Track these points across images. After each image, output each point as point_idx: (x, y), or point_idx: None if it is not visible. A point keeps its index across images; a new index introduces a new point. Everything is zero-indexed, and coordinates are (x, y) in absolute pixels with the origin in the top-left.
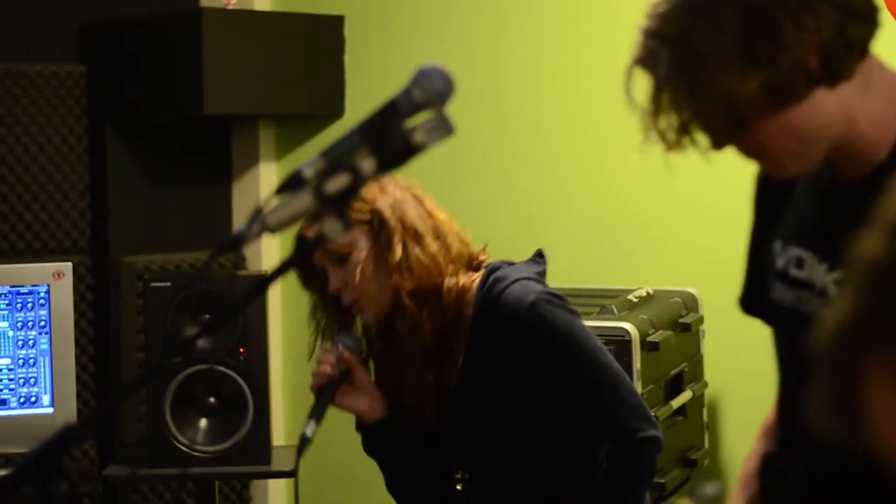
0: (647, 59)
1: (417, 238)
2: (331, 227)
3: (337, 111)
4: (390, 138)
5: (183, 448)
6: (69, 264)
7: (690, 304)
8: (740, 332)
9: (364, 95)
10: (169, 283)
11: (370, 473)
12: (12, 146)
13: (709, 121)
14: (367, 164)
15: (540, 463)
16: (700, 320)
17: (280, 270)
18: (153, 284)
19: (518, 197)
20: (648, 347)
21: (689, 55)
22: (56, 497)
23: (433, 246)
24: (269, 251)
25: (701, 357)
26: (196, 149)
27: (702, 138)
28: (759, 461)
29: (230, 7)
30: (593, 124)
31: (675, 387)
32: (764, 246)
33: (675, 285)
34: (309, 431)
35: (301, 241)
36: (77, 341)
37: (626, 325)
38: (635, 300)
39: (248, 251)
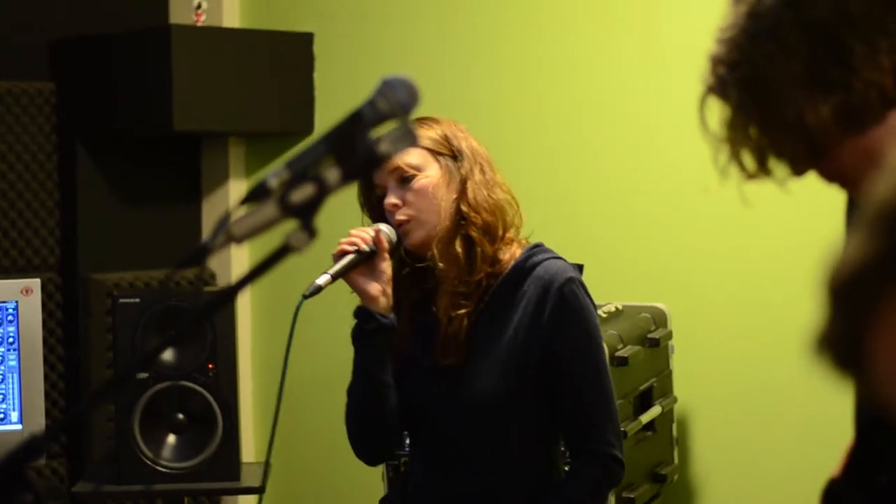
0: (717, 86)
1: (490, 185)
2: (296, 237)
3: (307, 128)
4: (355, 148)
5: (151, 464)
6: (38, 280)
7: (659, 319)
8: (709, 347)
9: (333, 112)
10: (137, 300)
11: (340, 489)
12: None
13: (784, 148)
14: (332, 174)
15: (507, 426)
16: (669, 335)
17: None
18: (122, 301)
19: None
20: (617, 362)
21: (759, 81)
22: None
23: (502, 195)
24: (238, 267)
25: (670, 372)
26: (166, 166)
27: (779, 167)
28: (824, 486)
29: (199, 24)
30: (565, 139)
31: (645, 402)
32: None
33: (644, 301)
34: (321, 281)
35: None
36: (46, 359)
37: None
38: (604, 315)
39: (217, 267)
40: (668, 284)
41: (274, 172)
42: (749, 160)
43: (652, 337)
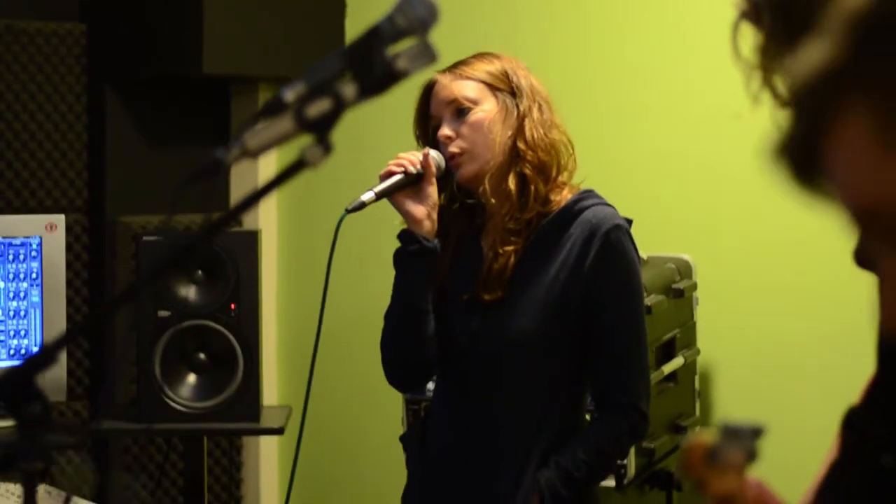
0: (750, 11)
1: (548, 125)
2: (311, 152)
3: None
4: (372, 64)
5: (171, 403)
6: (62, 217)
7: (685, 270)
8: (734, 300)
9: None
10: (161, 238)
11: (360, 433)
12: (11, 103)
13: None
14: (348, 89)
15: (544, 363)
16: (693, 287)
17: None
18: (145, 238)
19: None
20: None
21: (792, 5)
22: (29, 415)
23: (560, 136)
24: (265, 210)
25: (694, 324)
26: (195, 110)
27: None
28: (844, 413)
29: None
30: (594, 88)
31: (667, 353)
32: None
33: (670, 251)
34: (365, 197)
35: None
36: (71, 301)
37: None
38: None
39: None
40: (694, 236)
41: (290, 86)
42: (782, 87)
43: (676, 287)
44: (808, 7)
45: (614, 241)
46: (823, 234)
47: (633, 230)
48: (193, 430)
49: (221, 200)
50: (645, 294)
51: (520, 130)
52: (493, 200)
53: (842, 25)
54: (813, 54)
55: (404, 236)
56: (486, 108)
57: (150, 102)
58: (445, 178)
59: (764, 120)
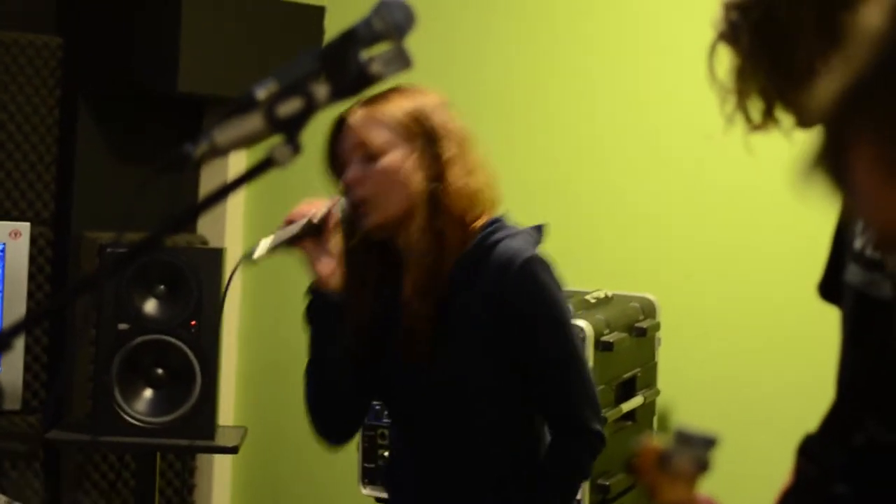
0: (728, 32)
1: (468, 170)
2: (280, 151)
3: None
4: (347, 66)
5: (127, 417)
6: (27, 224)
7: (648, 309)
8: (697, 342)
9: None
10: (125, 251)
11: (315, 457)
12: None
13: (793, 96)
14: (321, 90)
15: (482, 411)
16: (657, 327)
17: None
18: (109, 250)
19: None
20: (602, 347)
21: (771, 25)
22: None
23: (479, 181)
24: (232, 230)
25: (655, 364)
26: (167, 128)
27: (786, 118)
28: (800, 441)
29: None
30: (560, 128)
31: (627, 390)
32: (848, 228)
33: (635, 291)
34: (256, 254)
35: None
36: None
37: (582, 323)
38: (592, 301)
39: (210, 230)
40: (659, 276)
41: (261, 83)
42: (755, 110)
43: (639, 326)
44: (788, 27)
45: (528, 275)
46: (788, 277)
47: (599, 267)
48: (147, 445)
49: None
50: (606, 331)
51: (438, 179)
52: (406, 255)
53: (859, 48)
54: (835, 78)
55: (311, 291)
56: (397, 155)
57: (123, 118)
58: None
59: (733, 166)
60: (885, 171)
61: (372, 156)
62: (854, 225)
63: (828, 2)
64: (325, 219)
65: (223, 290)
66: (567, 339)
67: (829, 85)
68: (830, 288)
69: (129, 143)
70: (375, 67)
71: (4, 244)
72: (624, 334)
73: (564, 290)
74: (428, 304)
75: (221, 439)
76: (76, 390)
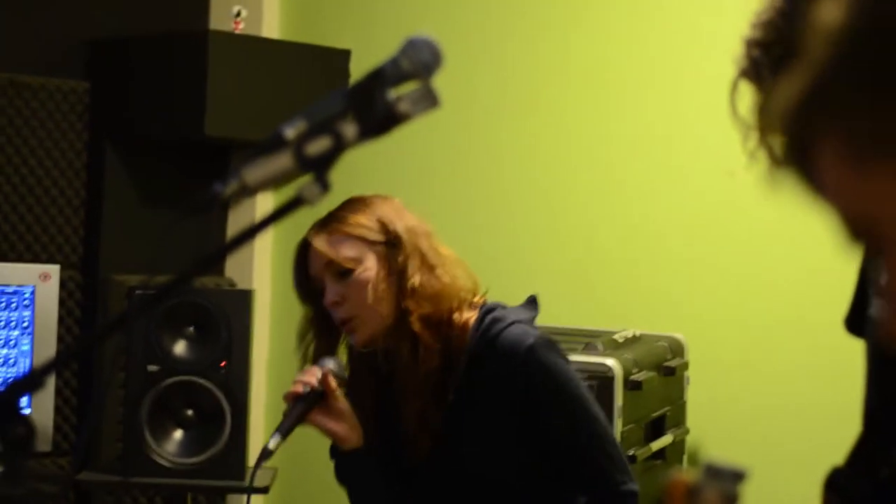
0: (750, 69)
1: (431, 267)
2: (309, 190)
3: None
4: (374, 105)
5: (156, 458)
6: (56, 267)
7: (676, 348)
8: (725, 381)
9: None
10: (153, 293)
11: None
12: (11, 157)
13: None
14: (349, 129)
15: None
16: (685, 366)
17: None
18: (138, 292)
19: (509, 238)
20: (631, 386)
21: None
22: (13, 439)
23: (445, 278)
24: (260, 272)
25: (684, 403)
26: (194, 172)
27: None
28: (827, 474)
29: (238, 32)
30: (587, 167)
31: (656, 429)
32: (873, 263)
33: (663, 330)
34: (272, 445)
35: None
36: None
37: (610, 362)
38: (620, 340)
39: (237, 273)
40: (687, 315)
41: (290, 122)
42: (778, 147)
43: (668, 365)
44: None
45: (533, 363)
46: (815, 315)
47: (627, 307)
48: (177, 486)
49: (218, 265)
50: (635, 370)
51: (402, 286)
52: (387, 364)
53: (816, 46)
54: (794, 81)
55: (336, 454)
56: (368, 266)
57: (150, 162)
58: (347, 377)
59: (760, 204)
60: (850, 164)
61: (344, 272)
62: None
63: None
64: (324, 382)
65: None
66: (584, 413)
67: (790, 86)
68: (857, 322)
69: (157, 187)
70: (403, 106)
71: (34, 286)
72: (652, 373)
73: (590, 340)
74: (420, 405)
75: (252, 480)
76: (106, 432)
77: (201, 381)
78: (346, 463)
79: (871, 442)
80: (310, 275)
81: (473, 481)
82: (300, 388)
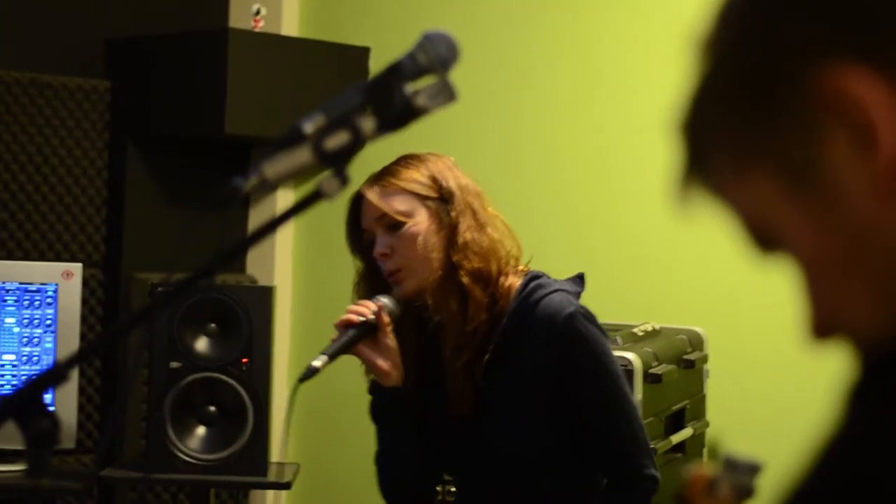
0: None
1: (481, 225)
2: (328, 184)
3: None
4: (392, 99)
5: (180, 454)
6: (79, 265)
7: (696, 342)
8: (745, 373)
9: None
10: (175, 288)
11: (369, 492)
12: (33, 156)
13: None
14: (367, 123)
15: (537, 479)
16: (705, 359)
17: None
18: (160, 289)
19: (527, 232)
20: (651, 379)
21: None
22: (37, 433)
23: (495, 235)
24: (281, 268)
25: (704, 396)
26: (215, 169)
27: None
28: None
29: (257, 30)
30: (609, 162)
31: (676, 422)
32: None
33: (682, 324)
34: (318, 363)
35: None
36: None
37: (630, 356)
38: (640, 334)
39: (259, 270)
40: (706, 309)
41: (309, 117)
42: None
43: (687, 358)
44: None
45: (571, 331)
46: None
47: (647, 301)
48: (200, 482)
49: (239, 261)
50: (655, 363)
51: (453, 240)
52: (435, 317)
53: (699, 56)
54: (686, 93)
55: (375, 390)
56: (419, 220)
57: (171, 161)
58: (399, 314)
59: None
60: (733, 170)
61: (395, 224)
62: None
63: None
64: (378, 318)
65: (288, 405)
66: (616, 389)
67: (683, 97)
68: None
69: (178, 185)
70: (421, 101)
71: (57, 285)
72: (672, 366)
73: (609, 334)
74: (465, 360)
75: (274, 476)
76: (129, 429)
77: (223, 377)
78: (382, 401)
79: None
80: (361, 227)
81: (497, 445)
82: (353, 318)
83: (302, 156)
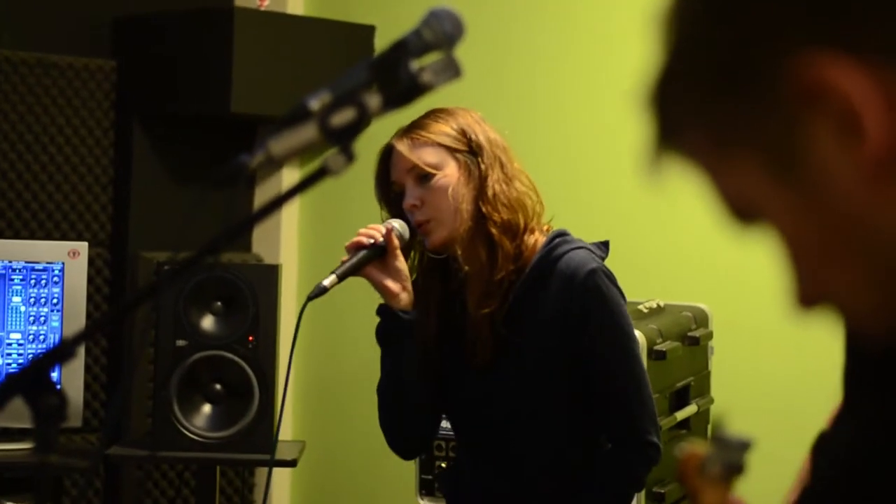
0: None
1: (509, 178)
2: (334, 160)
3: None
4: (398, 76)
5: (186, 432)
6: (85, 244)
7: (701, 319)
8: (750, 350)
9: None
10: (181, 266)
11: (373, 473)
12: (39, 135)
13: None
14: (373, 100)
15: (544, 431)
16: (709, 336)
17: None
18: (167, 268)
19: None
20: (655, 356)
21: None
22: (45, 409)
23: (522, 188)
24: (287, 247)
25: (708, 373)
26: (221, 148)
27: None
28: (815, 438)
29: (263, 8)
30: (612, 138)
31: (681, 399)
32: None
33: (687, 300)
34: (327, 283)
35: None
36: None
37: (635, 332)
38: (645, 311)
39: (264, 249)
40: (711, 286)
41: (315, 94)
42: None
43: (692, 335)
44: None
45: (592, 288)
46: None
47: (652, 278)
48: (206, 460)
49: (245, 240)
50: (659, 340)
51: (482, 191)
52: (465, 266)
53: (663, 31)
54: (657, 70)
55: (383, 311)
56: (448, 173)
57: (177, 140)
58: (413, 241)
59: None
60: (715, 149)
61: (425, 176)
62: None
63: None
64: (387, 240)
65: (296, 323)
66: (630, 350)
67: (654, 75)
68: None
69: (184, 164)
70: (426, 77)
71: (63, 263)
72: (677, 343)
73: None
74: (490, 308)
75: (280, 453)
76: (135, 407)
77: (229, 355)
78: (389, 322)
79: (850, 402)
80: (391, 180)
81: (520, 388)
82: (363, 240)
83: (308, 133)
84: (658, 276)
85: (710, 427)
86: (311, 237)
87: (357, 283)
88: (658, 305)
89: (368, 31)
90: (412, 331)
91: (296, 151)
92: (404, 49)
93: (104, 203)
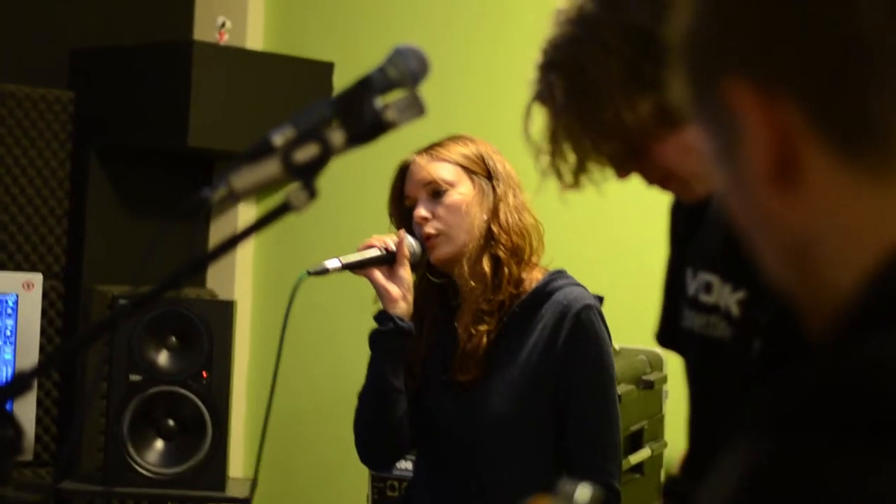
0: (543, 92)
1: (520, 210)
2: (297, 196)
3: None
4: (362, 113)
5: (138, 468)
6: (39, 276)
7: (655, 363)
8: None
9: None
10: (136, 301)
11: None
12: None
13: (604, 148)
14: (337, 136)
15: (512, 452)
16: (664, 379)
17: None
18: (122, 302)
19: None
20: None
21: (581, 81)
22: (1, 441)
23: (531, 220)
24: (242, 284)
25: (662, 417)
26: (177, 182)
27: (598, 174)
28: (664, 482)
29: (222, 43)
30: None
31: (635, 443)
32: (678, 275)
33: (642, 344)
34: (329, 265)
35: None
36: None
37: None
38: None
39: (219, 285)
40: None
41: (278, 129)
42: (568, 168)
43: (647, 379)
44: (595, 82)
45: (585, 321)
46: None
47: (609, 323)
48: (158, 496)
49: (200, 275)
50: (616, 379)
51: (495, 214)
52: (470, 282)
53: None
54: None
55: (380, 317)
56: (463, 191)
57: (133, 173)
58: (419, 260)
59: None
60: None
61: (439, 192)
62: (684, 273)
63: (635, 55)
64: (399, 248)
65: (289, 302)
66: (609, 391)
67: (685, 24)
68: (668, 335)
69: (140, 197)
70: (390, 114)
71: (17, 295)
72: (631, 387)
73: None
74: (483, 329)
75: (232, 490)
76: (88, 442)
77: (183, 391)
78: (383, 327)
79: (700, 453)
80: (405, 195)
81: (499, 404)
82: (376, 243)
83: (270, 168)
84: (612, 320)
85: (663, 471)
86: (265, 274)
87: (315, 320)
88: (613, 349)
89: (327, 67)
90: (406, 339)
91: (258, 186)
92: (368, 86)
93: (59, 235)
